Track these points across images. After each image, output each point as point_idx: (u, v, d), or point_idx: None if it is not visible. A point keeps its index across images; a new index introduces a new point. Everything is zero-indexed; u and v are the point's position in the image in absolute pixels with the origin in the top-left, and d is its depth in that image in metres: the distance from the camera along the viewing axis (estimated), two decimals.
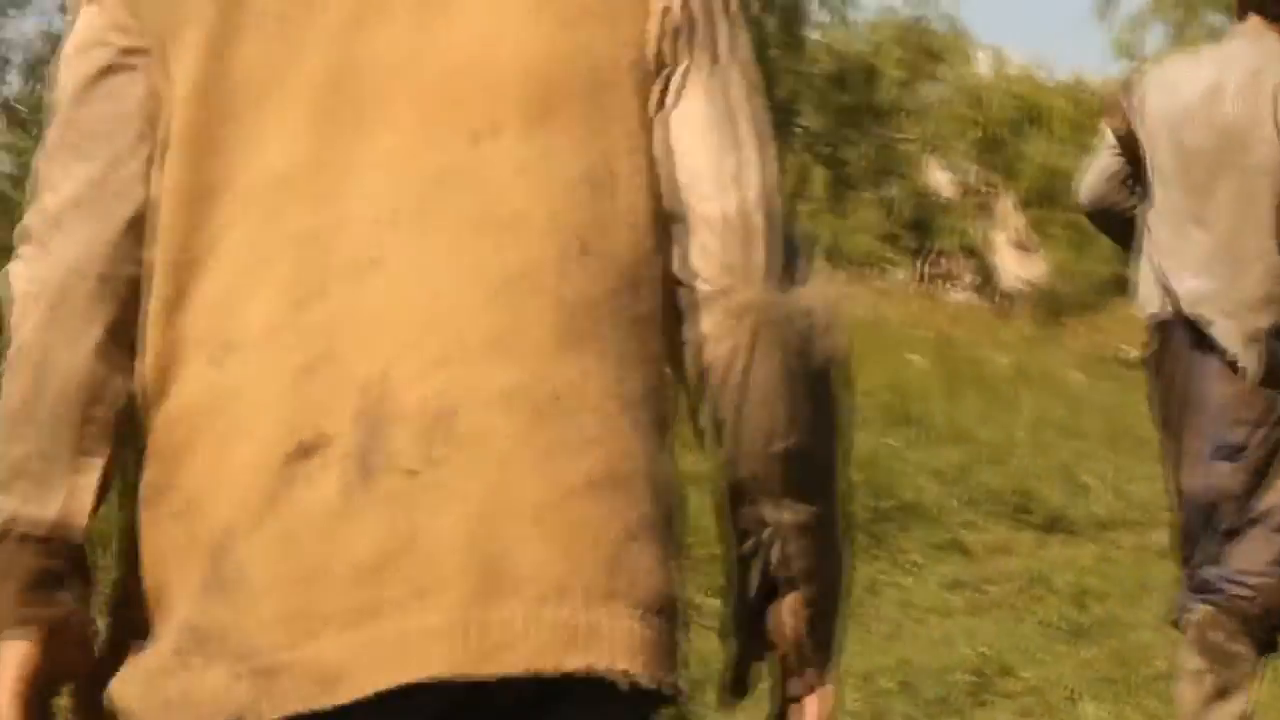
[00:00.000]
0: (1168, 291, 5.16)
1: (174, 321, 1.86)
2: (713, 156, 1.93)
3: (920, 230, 29.64)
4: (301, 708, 1.74)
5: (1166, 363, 5.27)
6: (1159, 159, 5.18)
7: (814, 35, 21.92)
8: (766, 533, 2.07)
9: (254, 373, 1.81)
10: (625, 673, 1.80)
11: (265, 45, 1.88)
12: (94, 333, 1.87)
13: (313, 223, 1.84)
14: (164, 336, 1.86)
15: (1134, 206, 5.34)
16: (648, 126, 1.92)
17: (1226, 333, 5.07)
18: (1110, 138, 5.39)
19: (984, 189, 29.40)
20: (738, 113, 1.96)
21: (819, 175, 27.33)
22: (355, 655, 1.74)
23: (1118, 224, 5.49)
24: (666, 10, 1.93)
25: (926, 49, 25.20)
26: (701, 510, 6.98)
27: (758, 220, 1.93)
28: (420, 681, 1.73)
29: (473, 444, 1.78)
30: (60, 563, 1.89)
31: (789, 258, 1.96)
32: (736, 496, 2.07)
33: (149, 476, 1.88)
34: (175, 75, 1.87)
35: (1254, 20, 5.13)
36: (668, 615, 1.89)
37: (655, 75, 1.93)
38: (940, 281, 29.23)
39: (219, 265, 1.84)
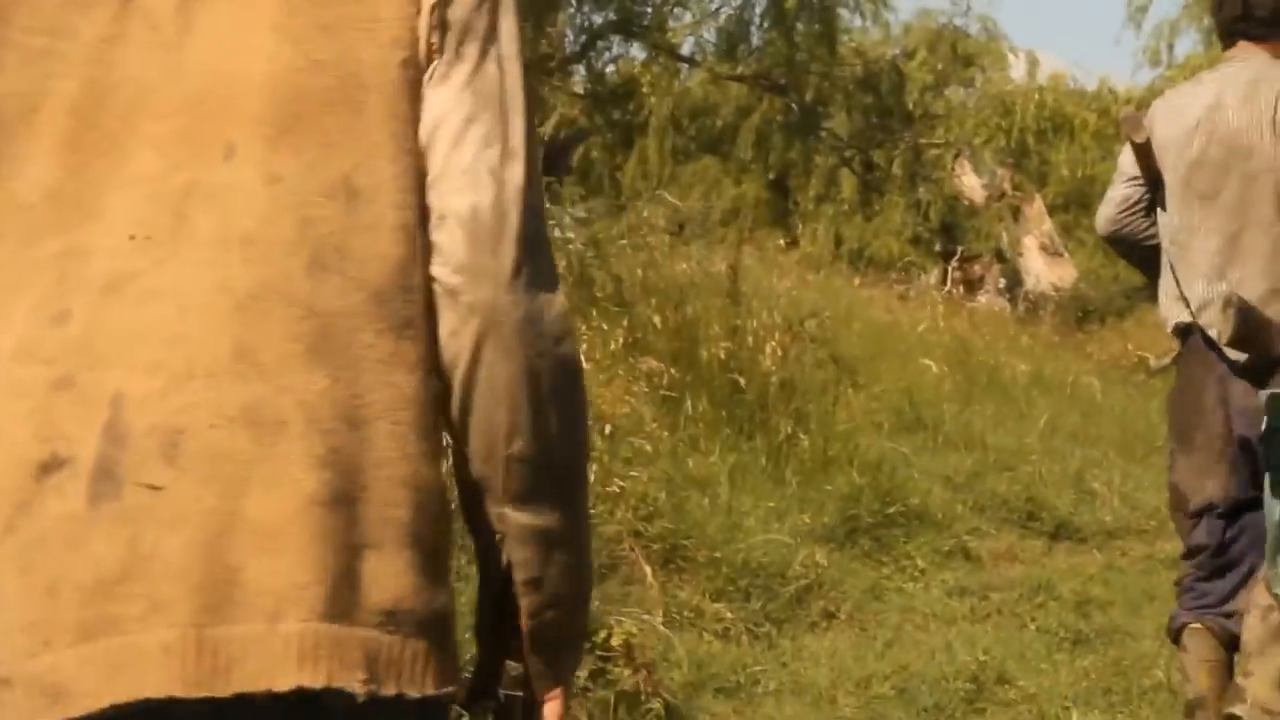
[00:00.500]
0: (1184, 300, 5.43)
1: None
2: (469, 149, 1.92)
3: (949, 234, 29.56)
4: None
5: (1185, 367, 5.52)
6: (1169, 178, 5.47)
7: (846, 38, 21.98)
8: (497, 538, 2.00)
9: (8, 387, 1.82)
10: (365, 683, 1.79)
11: (22, 71, 1.91)
12: None
13: (68, 243, 1.85)
14: None
15: (1153, 233, 5.62)
16: (406, 129, 1.92)
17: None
18: (1125, 168, 5.68)
19: (1013, 193, 29.28)
20: (508, 104, 1.95)
21: (847, 178, 27.31)
22: (84, 670, 1.73)
23: (1138, 250, 5.75)
24: (415, 14, 1.94)
25: (960, 53, 25.20)
26: (700, 514, 7.05)
27: (512, 216, 1.91)
28: (152, 699, 1.72)
29: (211, 460, 1.78)
30: None
31: (543, 259, 1.94)
32: (471, 498, 1.99)
33: None
34: None
35: (1241, 44, 5.55)
36: (418, 623, 1.85)
37: (412, 76, 1.93)
38: (968, 286, 29.13)
39: None
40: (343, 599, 1.79)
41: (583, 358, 8.55)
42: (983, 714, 6.98)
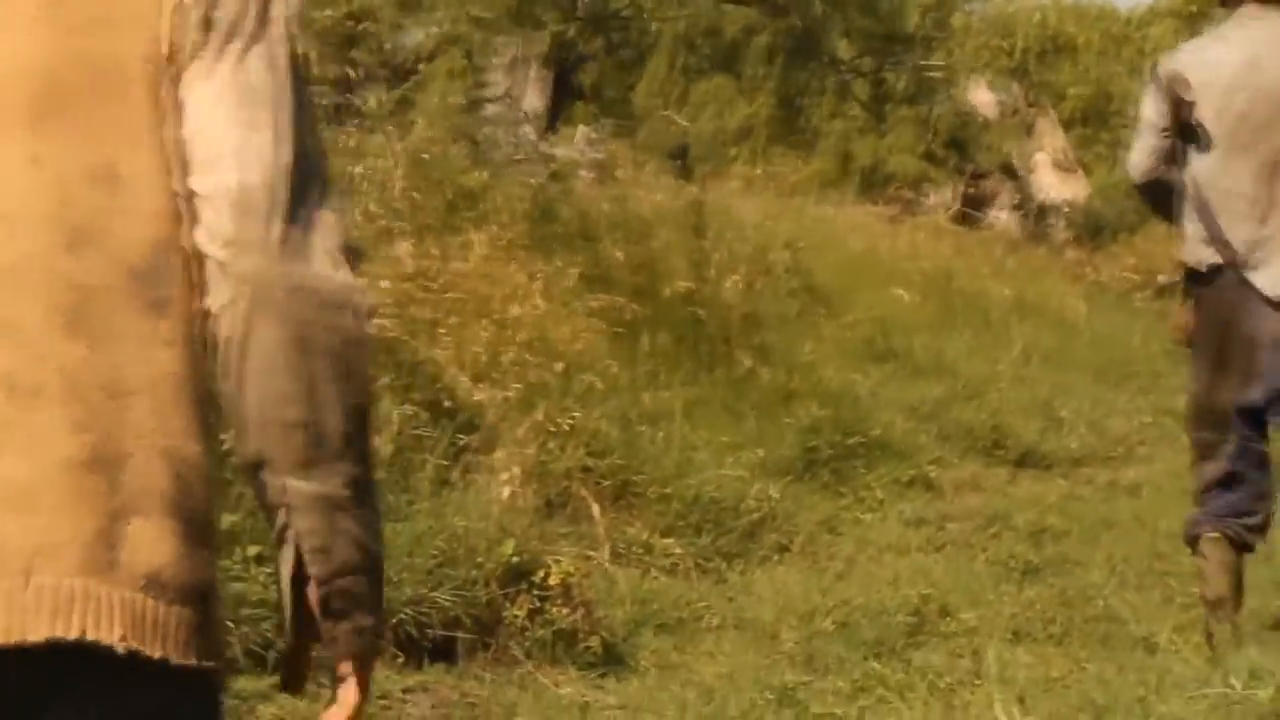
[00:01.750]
0: (1218, 242, 5.90)
1: None
2: (233, 135, 1.98)
3: (962, 151, 29.50)
4: None
5: (1212, 302, 6.01)
6: (1212, 130, 5.87)
7: None
8: (281, 511, 2.00)
9: None
10: (122, 639, 1.84)
11: None
12: None
13: None
14: None
15: (1177, 179, 6.05)
16: (165, 120, 2.00)
17: (1274, 275, 5.86)
18: (1154, 119, 6.04)
19: (1027, 109, 29.18)
20: (274, 94, 2.02)
21: (860, 93, 27.25)
22: None
23: (1164, 195, 6.17)
24: (179, 6, 2.01)
25: None
26: (653, 449, 7.10)
27: (280, 192, 1.97)
28: None
29: None
30: None
31: (320, 233, 2.01)
32: (254, 468, 1.99)
33: None
34: None
35: (1250, 5, 5.93)
36: (179, 590, 1.90)
37: (175, 68, 2.00)
38: (979, 202, 29.09)
39: None
40: (101, 558, 1.84)
41: (537, 294, 8.66)
42: (922, 647, 6.98)
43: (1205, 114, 5.88)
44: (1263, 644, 5.79)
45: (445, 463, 7.41)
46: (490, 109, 16.12)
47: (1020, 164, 29.35)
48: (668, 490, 8.25)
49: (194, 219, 1.98)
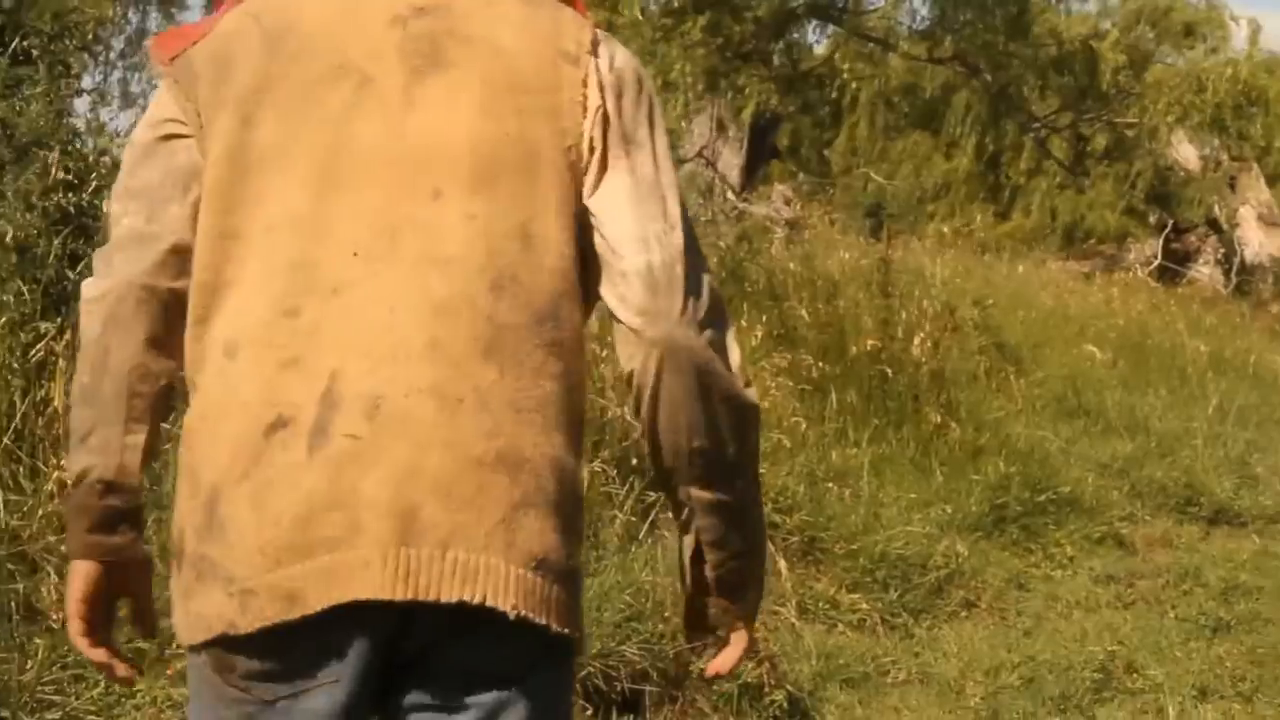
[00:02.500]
0: None
1: (201, 333, 2.49)
2: (640, 223, 2.51)
3: (1165, 206, 29.23)
4: (270, 620, 2.34)
5: None
6: None
7: (1053, 15, 21.84)
8: (685, 511, 2.62)
9: (250, 363, 2.42)
10: (514, 607, 2.35)
11: (277, 127, 2.51)
12: (139, 331, 2.57)
13: (302, 256, 2.44)
14: (196, 344, 2.50)
15: None
16: (576, 197, 2.52)
17: None
18: None
19: (1230, 162, 28.86)
20: (664, 190, 2.55)
21: (1057, 151, 27.10)
22: (309, 580, 2.33)
23: None
24: (599, 109, 2.55)
25: (1174, 24, 24.87)
26: (840, 506, 7.13)
27: (678, 270, 2.49)
28: (358, 600, 2.32)
29: (400, 423, 2.36)
30: (120, 506, 2.59)
31: (706, 301, 2.52)
32: (665, 482, 2.62)
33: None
34: (210, 147, 2.53)
35: None
36: (557, 573, 2.41)
37: (588, 158, 2.53)
38: (1183, 258, 28.80)
39: (237, 288, 2.47)
40: (501, 541, 2.36)
41: None
42: (1107, 704, 7.02)
43: None
44: None
45: (633, 519, 7.55)
46: (686, 169, 16.30)
47: (1224, 219, 29.03)
48: (855, 546, 8.30)
49: (599, 287, 2.54)
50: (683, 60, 15.83)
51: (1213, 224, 29.31)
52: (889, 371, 10.07)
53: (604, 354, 8.35)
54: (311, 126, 2.50)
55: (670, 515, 7.58)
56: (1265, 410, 13.55)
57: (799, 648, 7.35)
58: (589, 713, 6.54)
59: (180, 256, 2.56)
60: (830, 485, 8.77)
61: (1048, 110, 20.28)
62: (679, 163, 15.59)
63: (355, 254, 2.43)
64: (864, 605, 7.99)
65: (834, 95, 26.16)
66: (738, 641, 2.76)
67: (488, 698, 2.44)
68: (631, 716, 6.60)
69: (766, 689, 6.75)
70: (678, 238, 2.52)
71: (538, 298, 2.45)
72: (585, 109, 2.54)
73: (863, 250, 12.36)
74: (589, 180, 2.53)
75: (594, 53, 2.61)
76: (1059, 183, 28.64)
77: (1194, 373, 13.71)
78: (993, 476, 9.67)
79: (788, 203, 18.80)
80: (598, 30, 2.66)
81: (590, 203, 2.52)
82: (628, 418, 8.01)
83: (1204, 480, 11.03)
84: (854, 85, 24.89)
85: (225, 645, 2.39)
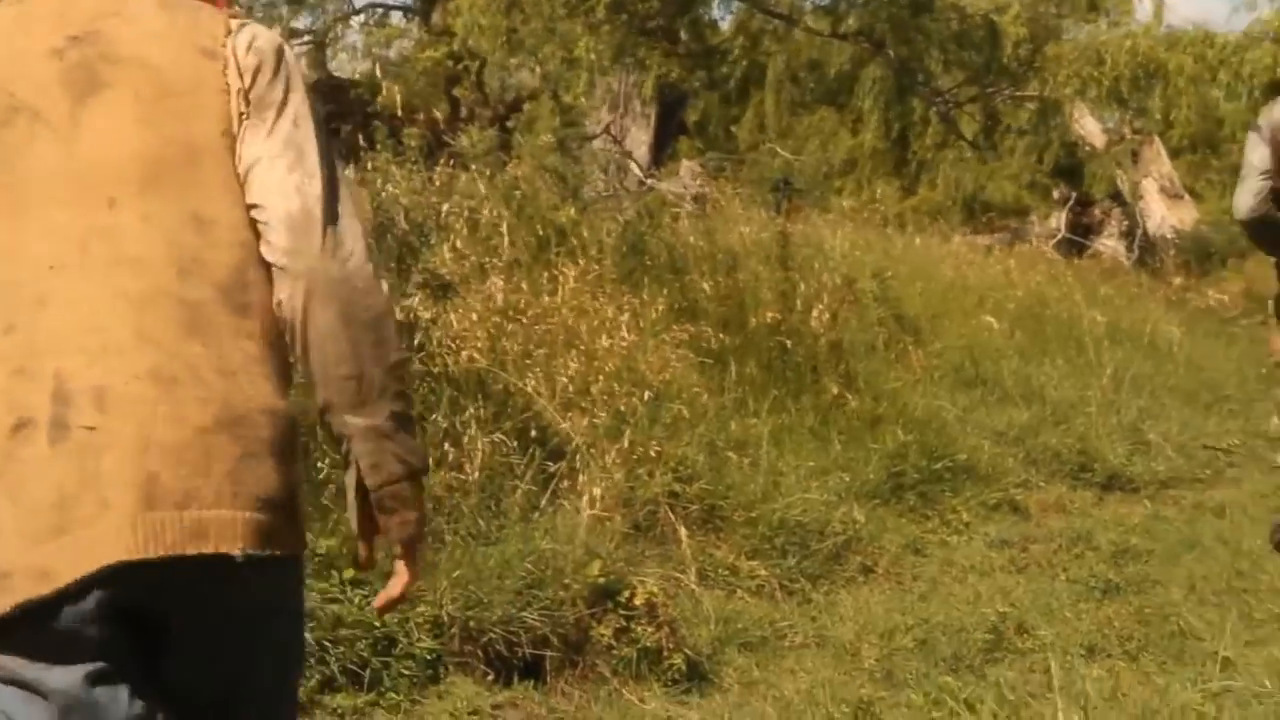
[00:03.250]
0: None
1: None
2: (279, 175, 2.89)
3: (1070, 180, 29.52)
4: (25, 597, 2.62)
5: None
6: None
7: None
8: (345, 439, 2.93)
9: None
10: (243, 550, 2.70)
11: None
12: None
13: (5, 278, 2.78)
14: None
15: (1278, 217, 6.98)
16: (232, 175, 2.90)
17: None
18: (1256, 163, 7.01)
19: (1133, 136, 29.17)
20: (301, 143, 2.93)
21: (967, 126, 27.31)
22: (61, 555, 2.63)
23: (1268, 231, 7.16)
24: (240, 90, 2.94)
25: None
26: (740, 475, 7.29)
27: (315, 214, 2.87)
28: (107, 565, 2.63)
29: (127, 407, 2.69)
30: None
31: (349, 239, 2.89)
32: (324, 412, 2.92)
33: None
34: None
35: None
36: (279, 506, 2.78)
37: (230, 138, 2.91)
38: (1086, 230, 29.09)
39: None
40: (227, 494, 2.71)
41: (625, 326, 8.89)
42: (998, 663, 7.15)
43: None
44: None
45: (534, 489, 7.68)
46: (595, 144, 16.40)
47: (1127, 192, 29.34)
48: (754, 514, 8.45)
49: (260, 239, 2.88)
50: (588, 37, 15.92)
51: (1116, 197, 29.62)
52: (788, 343, 10.22)
53: (508, 328, 8.48)
54: None
55: (567, 486, 7.76)
56: (1159, 379, 13.78)
57: (698, 613, 7.49)
58: (490, 678, 6.67)
59: None
60: (730, 455, 8.90)
61: (952, 85, 20.46)
62: (584, 140, 15.69)
63: (51, 267, 2.77)
64: (763, 572, 8.14)
65: (740, 72, 26.32)
66: (399, 573, 3.03)
67: (243, 633, 2.81)
68: (533, 681, 6.73)
69: (666, 653, 6.90)
70: (315, 185, 2.90)
71: (221, 273, 2.83)
72: (229, 94, 2.94)
73: (764, 224, 12.46)
74: (238, 149, 2.92)
75: (229, 42, 2.98)
76: (966, 158, 28.86)
77: (1090, 342, 13.91)
78: (890, 445, 9.84)
79: (695, 179, 18.90)
80: (234, 20, 3.04)
81: (240, 168, 2.91)
82: (529, 390, 8.13)
83: (1098, 447, 11.24)
84: (747, 64, 25.00)
85: None
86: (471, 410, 7.77)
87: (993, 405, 11.68)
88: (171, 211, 2.84)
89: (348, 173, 9.78)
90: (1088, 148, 28.89)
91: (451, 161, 10.68)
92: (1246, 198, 7.10)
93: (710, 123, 29.84)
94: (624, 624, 6.92)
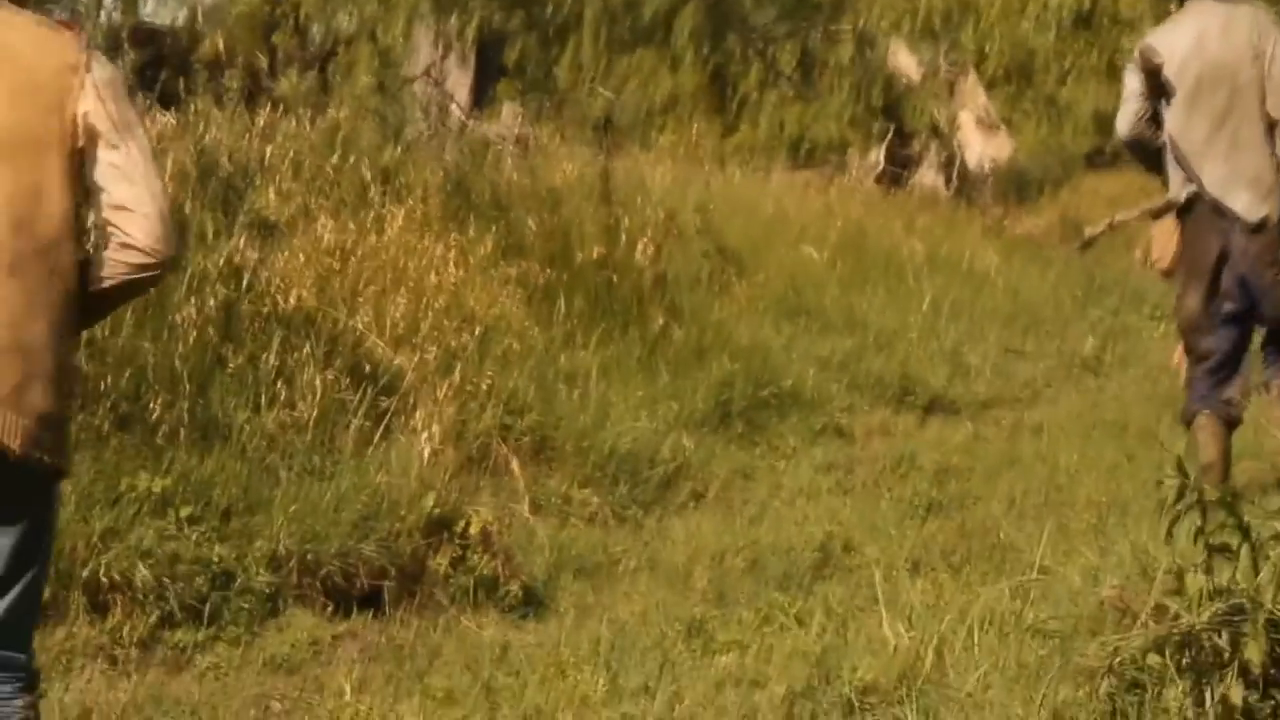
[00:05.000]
0: (1194, 179, 7.41)
1: None
2: (147, 183, 3.74)
3: (890, 115, 29.83)
4: None
5: (1192, 226, 7.49)
6: (1176, 94, 7.44)
7: None
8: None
9: None
10: (21, 448, 3.60)
11: None
12: None
13: None
14: None
15: (1158, 137, 7.55)
16: (70, 165, 3.69)
17: (1248, 202, 7.38)
18: (1134, 87, 7.58)
19: (948, 69, 29.48)
20: (137, 163, 3.74)
21: (788, 65, 27.54)
22: None
23: (1148, 151, 7.68)
24: (85, 113, 3.70)
25: None
26: (570, 407, 7.35)
27: (163, 212, 3.74)
28: None
29: None
30: None
31: (167, 235, 3.75)
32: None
33: None
34: None
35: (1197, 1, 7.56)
36: (53, 423, 3.67)
37: (85, 140, 3.70)
38: (906, 164, 29.43)
39: None
40: (13, 402, 3.59)
41: (453, 264, 8.99)
42: (826, 580, 7.33)
43: (1172, 81, 7.42)
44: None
45: (367, 424, 7.78)
46: (415, 87, 16.39)
47: (945, 124, 29.70)
48: (585, 444, 8.59)
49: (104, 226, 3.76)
50: None
51: (935, 130, 30.00)
52: (614, 277, 10.35)
53: (337, 268, 8.54)
54: None
55: (400, 421, 7.87)
56: (977, 304, 14.04)
57: (533, 542, 7.63)
58: (329, 609, 6.78)
59: None
60: (560, 387, 9.04)
61: (766, 21, 20.61)
62: (404, 82, 15.71)
63: None
64: (595, 500, 8.29)
65: (560, 14, 26.36)
66: None
67: (8, 510, 3.69)
68: (371, 612, 6.84)
69: (502, 581, 7.04)
70: (161, 189, 3.79)
71: (44, 234, 3.65)
72: (75, 110, 3.70)
73: (587, 163, 12.56)
74: (90, 156, 3.72)
75: (88, 66, 3.73)
76: (789, 97, 29.06)
77: (910, 271, 14.16)
78: (717, 374, 10.01)
79: (517, 120, 18.93)
80: (90, 51, 3.76)
81: (98, 173, 3.73)
82: (359, 328, 8.21)
83: (919, 372, 11.49)
84: (579, 2, 25.06)
85: None
86: (304, 350, 7.84)
87: (816, 334, 11.88)
88: (16, 180, 3.64)
89: (169, 118, 9.82)
90: (904, 82, 29.23)
91: (272, 106, 10.68)
92: (1125, 120, 7.68)
93: (530, 64, 29.77)
94: (460, 554, 7.06)
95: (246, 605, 6.52)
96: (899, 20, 23.69)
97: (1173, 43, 7.53)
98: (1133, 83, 7.66)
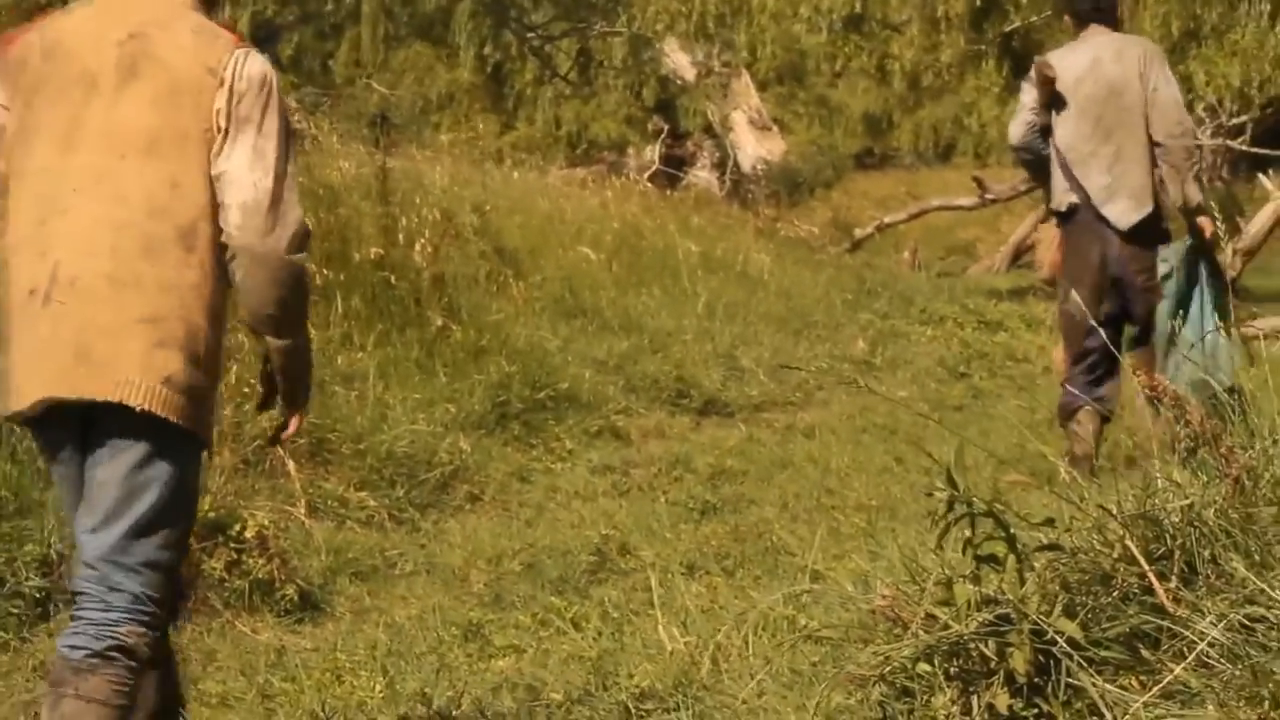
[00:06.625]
0: (1077, 188, 8.07)
1: (2, 229, 4.27)
2: (243, 172, 4.13)
3: (666, 114, 30.03)
4: (16, 407, 4.18)
5: (1075, 233, 8.18)
6: (1070, 108, 8.11)
7: None
8: (267, 352, 4.36)
9: (22, 257, 4.17)
10: (142, 406, 4.04)
11: (44, 110, 4.23)
12: None
13: (47, 190, 4.18)
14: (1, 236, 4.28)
15: (1045, 147, 8.20)
16: (206, 158, 4.13)
17: (1123, 210, 8.03)
18: (1027, 101, 8.25)
19: (721, 69, 29.74)
20: (264, 150, 4.14)
21: (564, 62, 27.62)
22: (33, 384, 4.12)
23: (1036, 160, 8.32)
24: (219, 110, 4.16)
25: None
26: (347, 408, 7.30)
27: (263, 205, 4.12)
28: (51, 397, 4.10)
29: (87, 294, 4.09)
30: None
31: (286, 221, 4.16)
32: (255, 332, 4.39)
33: None
34: (11, 118, 4.30)
35: (1094, 26, 8.24)
36: (178, 387, 4.09)
37: (215, 135, 4.15)
38: (681, 163, 29.65)
39: (15, 208, 4.22)
40: (140, 364, 4.05)
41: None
42: (603, 583, 7.42)
43: (1066, 96, 8.10)
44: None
45: None
46: None
47: (718, 124, 29.98)
48: (362, 446, 8.59)
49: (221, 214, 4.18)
50: None
51: (708, 130, 30.27)
52: (392, 278, 10.34)
53: None
54: (61, 111, 4.21)
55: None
56: (752, 306, 14.21)
57: (309, 544, 7.62)
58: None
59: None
60: (337, 388, 9.02)
61: (543, 20, 20.67)
62: None
63: (74, 190, 4.15)
64: (372, 502, 8.30)
65: (336, 6, 26.19)
66: (294, 420, 4.50)
67: (124, 454, 4.12)
68: None
69: (278, 584, 7.02)
70: (268, 181, 4.14)
71: (181, 219, 4.12)
72: (213, 105, 4.16)
73: (363, 160, 12.50)
74: (215, 150, 4.14)
75: (229, 67, 4.19)
76: (566, 95, 29.17)
77: (685, 272, 14.28)
78: (495, 376, 10.05)
79: (292, 115, 18.75)
80: (239, 50, 4.23)
81: (215, 164, 4.13)
82: None
83: (694, 374, 11.61)
84: None
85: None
86: None
87: (592, 335, 11.96)
88: (157, 172, 4.13)
89: None
90: (679, 82, 29.45)
91: None
92: (1017, 129, 8.36)
93: (305, 57, 29.55)
94: (235, 557, 7.02)
95: (16, 610, 6.45)
96: (674, 21, 23.83)
97: (1070, 62, 8.19)
98: (1027, 97, 8.30)
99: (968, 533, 4.13)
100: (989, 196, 24.13)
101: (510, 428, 9.86)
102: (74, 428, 4.15)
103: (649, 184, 21.39)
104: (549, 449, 9.87)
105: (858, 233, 24.75)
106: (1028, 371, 12.88)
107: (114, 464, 4.12)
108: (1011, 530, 4.09)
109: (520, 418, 9.98)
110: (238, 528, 7.11)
